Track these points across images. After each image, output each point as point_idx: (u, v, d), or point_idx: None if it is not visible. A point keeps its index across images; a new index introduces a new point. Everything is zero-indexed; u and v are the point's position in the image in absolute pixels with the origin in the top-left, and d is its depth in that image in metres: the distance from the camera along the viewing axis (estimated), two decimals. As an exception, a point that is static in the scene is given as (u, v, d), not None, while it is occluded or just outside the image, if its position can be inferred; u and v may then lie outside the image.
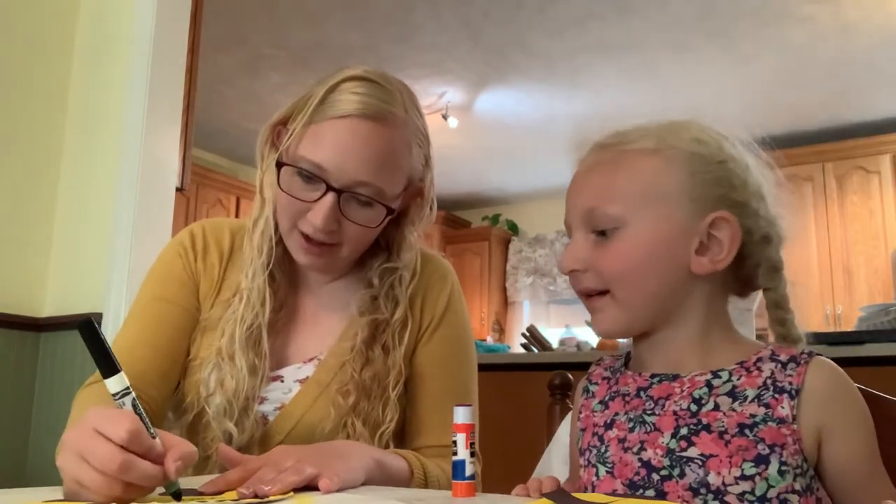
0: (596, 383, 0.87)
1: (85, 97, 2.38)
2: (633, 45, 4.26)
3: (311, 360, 1.03)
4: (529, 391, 2.45)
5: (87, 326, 0.65)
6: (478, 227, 7.39)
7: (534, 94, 4.99)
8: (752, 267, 0.81)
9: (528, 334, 3.18)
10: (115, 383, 0.66)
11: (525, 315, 7.11)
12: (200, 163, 5.38)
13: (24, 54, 2.30)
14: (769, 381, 0.75)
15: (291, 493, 0.70)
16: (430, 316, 1.07)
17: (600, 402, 0.84)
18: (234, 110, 5.23)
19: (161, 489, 0.66)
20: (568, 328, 5.07)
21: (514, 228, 7.35)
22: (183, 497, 0.67)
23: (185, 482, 0.78)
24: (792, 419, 0.72)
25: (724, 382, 0.76)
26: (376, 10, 3.95)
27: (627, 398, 0.81)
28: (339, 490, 0.74)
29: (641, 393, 0.80)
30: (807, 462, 0.73)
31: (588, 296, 0.81)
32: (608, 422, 0.81)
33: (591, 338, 3.57)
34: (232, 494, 0.70)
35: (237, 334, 0.98)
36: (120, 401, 0.66)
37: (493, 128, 5.55)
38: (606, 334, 0.84)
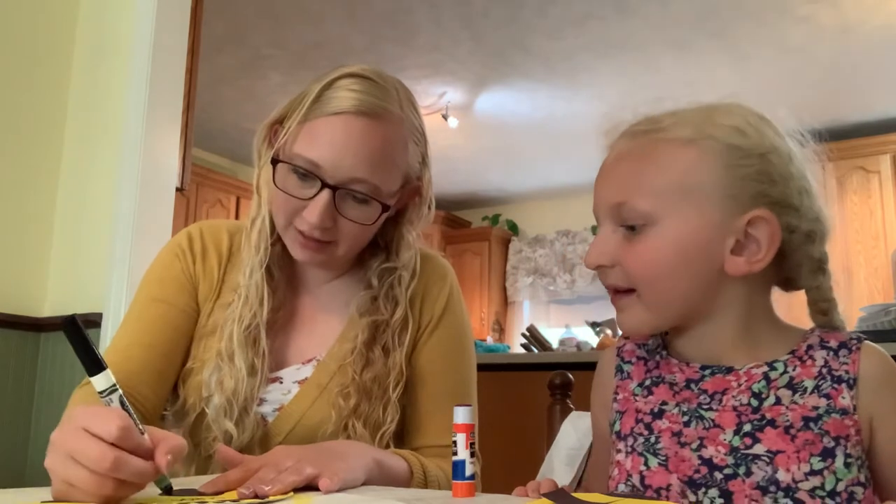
0: (630, 362, 0.83)
1: (85, 97, 2.38)
2: (632, 44, 4.26)
3: (309, 361, 1.03)
4: (529, 391, 2.46)
5: (72, 325, 0.64)
6: (478, 227, 7.39)
7: (534, 94, 4.99)
8: (795, 265, 0.77)
9: (528, 334, 3.18)
10: (101, 381, 0.66)
11: (525, 315, 7.11)
12: (200, 163, 5.38)
13: (24, 54, 2.30)
14: (825, 371, 0.73)
15: (291, 494, 0.70)
16: (430, 316, 1.06)
17: (640, 386, 0.81)
18: (234, 110, 5.23)
19: (151, 485, 0.66)
20: (568, 328, 5.07)
21: (514, 228, 7.35)
22: (183, 497, 0.67)
23: (186, 482, 0.78)
24: (853, 409, 0.71)
25: (781, 374, 0.74)
26: (376, 10, 3.94)
27: (676, 388, 0.78)
28: (339, 490, 0.73)
29: (692, 385, 0.76)
30: (864, 452, 0.72)
31: (615, 292, 0.78)
32: (655, 410, 0.78)
33: (591, 338, 3.57)
34: (232, 494, 0.70)
35: (235, 334, 0.98)
36: (107, 398, 0.65)
37: (493, 128, 5.55)
38: (633, 333, 0.81)
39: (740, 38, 4.14)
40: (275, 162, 0.96)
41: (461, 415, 0.70)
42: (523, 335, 3.23)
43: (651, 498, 0.73)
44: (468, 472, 0.68)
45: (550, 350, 3.12)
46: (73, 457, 0.62)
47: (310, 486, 0.73)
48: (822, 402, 0.72)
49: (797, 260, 0.77)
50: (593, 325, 3.51)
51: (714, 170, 0.73)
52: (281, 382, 1.01)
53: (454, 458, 0.69)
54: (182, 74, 2.36)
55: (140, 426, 0.65)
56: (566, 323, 6.06)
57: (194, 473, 1.00)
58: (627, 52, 4.35)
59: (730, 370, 0.76)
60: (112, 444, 0.61)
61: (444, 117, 5.09)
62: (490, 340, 5.84)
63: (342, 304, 1.06)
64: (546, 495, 0.70)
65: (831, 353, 0.74)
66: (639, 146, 0.77)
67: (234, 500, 0.67)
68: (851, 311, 5.13)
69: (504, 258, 7.28)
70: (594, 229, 6.61)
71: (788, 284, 0.80)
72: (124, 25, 2.32)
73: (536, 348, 3.13)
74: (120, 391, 0.66)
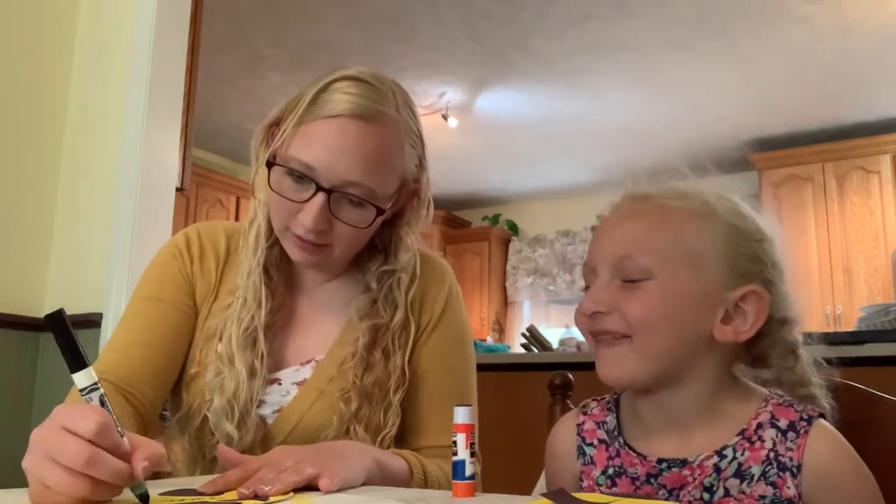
0: (592, 444, 0.85)
1: (85, 97, 2.38)
2: (633, 45, 4.26)
3: (308, 362, 1.03)
4: (529, 391, 2.45)
5: (57, 318, 0.62)
6: (478, 227, 7.40)
7: (534, 95, 4.99)
8: (767, 346, 0.82)
9: (528, 334, 3.17)
10: (82, 378, 0.64)
11: (525, 315, 7.10)
12: (200, 163, 5.38)
13: (24, 54, 2.30)
14: (772, 456, 0.75)
15: (291, 494, 0.70)
16: (429, 316, 1.06)
17: (603, 475, 0.82)
18: (234, 110, 5.23)
19: (129, 492, 0.64)
20: (568, 328, 5.06)
21: (514, 228, 7.35)
22: (183, 497, 0.67)
23: (186, 482, 0.78)
24: (798, 497, 0.73)
25: (730, 462, 0.76)
26: (376, 10, 3.95)
27: (637, 482, 0.80)
28: (339, 490, 0.73)
29: (652, 480, 0.79)
30: None
31: (599, 337, 0.80)
32: None
33: (591, 338, 3.55)
34: (232, 494, 0.70)
35: (234, 336, 0.98)
36: (87, 396, 0.64)
37: (493, 128, 5.55)
38: (615, 380, 0.80)
39: (740, 38, 4.14)
40: (270, 164, 0.96)
41: (461, 415, 0.70)
42: (523, 335, 3.22)
43: (650, 498, 0.74)
44: (468, 472, 0.69)
45: (550, 350, 3.12)
46: (50, 455, 0.60)
47: (310, 486, 0.73)
48: (769, 491, 0.74)
49: (770, 342, 0.82)
50: (593, 325, 3.49)
51: (717, 243, 0.79)
52: (280, 384, 1.01)
53: (454, 458, 0.69)
54: (182, 74, 2.36)
55: (119, 428, 0.63)
56: (566, 323, 6.05)
57: (201, 474, 1.00)
58: (627, 52, 4.35)
59: (684, 463, 0.78)
60: (90, 441, 0.60)
61: (444, 117, 5.09)
62: (490, 340, 5.84)
63: (340, 306, 1.06)
64: (546, 495, 0.70)
65: (780, 435, 0.76)
66: (646, 209, 0.82)
67: (234, 501, 0.67)
68: (851, 311, 5.15)
69: (504, 258, 7.28)
70: (594, 229, 6.57)
71: (757, 362, 0.84)
72: (124, 25, 2.32)
73: (536, 348, 3.13)
74: (101, 390, 0.65)
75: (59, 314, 0.63)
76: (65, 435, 0.61)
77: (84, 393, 0.65)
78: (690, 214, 0.80)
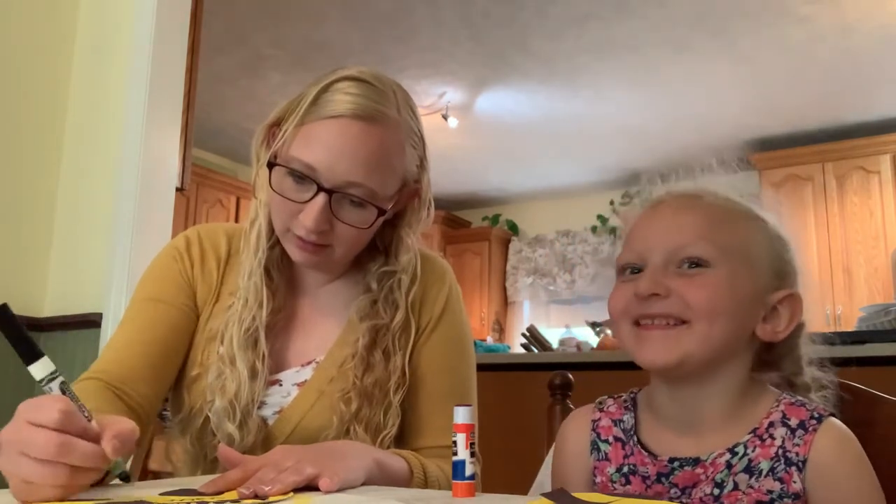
0: (608, 441, 0.85)
1: (85, 97, 2.38)
2: (632, 45, 4.26)
3: (308, 363, 1.03)
4: (529, 391, 2.46)
5: (2, 312, 0.62)
6: (478, 227, 7.40)
7: (534, 95, 4.99)
8: (783, 350, 0.84)
9: (528, 334, 3.18)
10: (38, 369, 0.64)
11: (525, 315, 7.10)
12: (200, 163, 5.37)
13: (24, 54, 2.30)
14: (780, 452, 0.76)
15: (291, 494, 0.70)
16: (429, 316, 1.06)
17: (618, 472, 0.83)
18: (234, 110, 5.23)
19: (119, 487, 0.65)
20: (568, 328, 5.07)
21: (514, 228, 7.35)
22: (183, 497, 0.67)
23: (186, 482, 0.78)
24: (804, 492, 0.74)
25: (741, 458, 0.77)
26: (376, 10, 3.95)
27: (648, 481, 0.80)
28: (339, 490, 0.73)
29: (663, 480, 0.79)
30: None
31: (649, 321, 0.79)
32: None
33: (591, 338, 3.56)
34: (232, 494, 0.70)
35: (236, 336, 0.98)
36: (47, 386, 0.64)
37: (493, 128, 5.55)
38: (663, 362, 0.79)
39: (740, 38, 4.14)
40: (271, 165, 0.96)
41: (461, 415, 0.70)
42: (523, 335, 3.23)
43: (651, 498, 0.74)
44: (468, 472, 0.68)
45: (550, 350, 3.12)
46: (22, 451, 0.61)
47: (310, 486, 0.73)
48: (777, 486, 0.75)
49: (788, 346, 0.85)
50: (593, 325, 3.50)
51: (767, 247, 0.83)
52: (280, 385, 1.01)
53: (454, 458, 0.69)
54: (182, 74, 2.36)
55: (87, 412, 0.64)
56: (566, 323, 6.06)
57: (201, 474, 1.00)
58: (627, 52, 4.35)
59: (697, 462, 0.78)
60: (57, 430, 0.60)
61: (444, 117, 5.09)
62: (490, 340, 5.84)
63: (341, 307, 1.06)
64: (546, 495, 0.70)
65: (789, 433, 0.77)
66: (700, 205, 0.84)
67: (234, 501, 0.67)
68: (851, 311, 5.14)
69: (504, 258, 7.28)
70: (594, 229, 6.54)
71: (766, 366, 0.85)
72: (124, 25, 2.32)
73: (536, 348, 3.13)
74: (61, 377, 0.65)
75: (3, 308, 0.62)
76: (31, 428, 0.61)
77: (43, 383, 0.65)
78: (744, 216, 0.83)
